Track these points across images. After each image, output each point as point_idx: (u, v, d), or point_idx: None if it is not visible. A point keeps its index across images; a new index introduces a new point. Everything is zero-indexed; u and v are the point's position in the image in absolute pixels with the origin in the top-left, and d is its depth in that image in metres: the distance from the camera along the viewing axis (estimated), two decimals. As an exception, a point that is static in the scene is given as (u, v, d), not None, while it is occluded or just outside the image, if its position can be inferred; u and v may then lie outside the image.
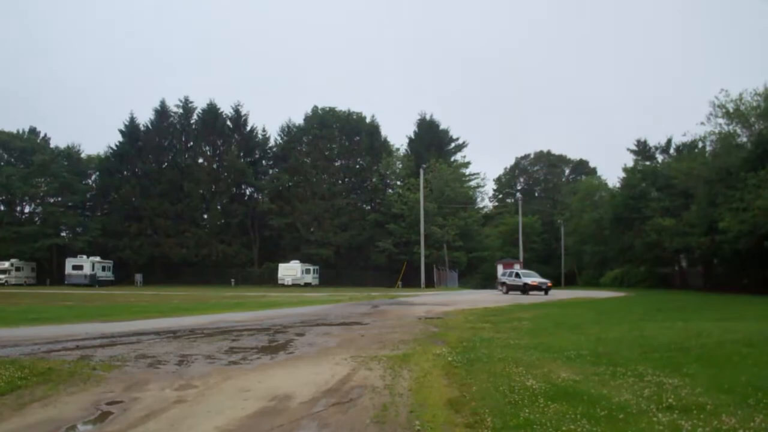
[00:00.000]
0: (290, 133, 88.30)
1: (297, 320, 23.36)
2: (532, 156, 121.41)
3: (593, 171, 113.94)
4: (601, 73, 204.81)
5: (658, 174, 67.74)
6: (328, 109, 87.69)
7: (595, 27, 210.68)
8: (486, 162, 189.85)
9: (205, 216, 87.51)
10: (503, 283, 50.57)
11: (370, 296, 43.85)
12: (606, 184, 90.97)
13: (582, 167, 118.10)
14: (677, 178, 60.99)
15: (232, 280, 79.82)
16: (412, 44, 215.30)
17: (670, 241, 59.10)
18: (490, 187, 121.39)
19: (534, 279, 48.64)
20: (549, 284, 48.04)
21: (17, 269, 76.80)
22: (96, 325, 20.98)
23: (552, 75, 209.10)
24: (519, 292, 46.74)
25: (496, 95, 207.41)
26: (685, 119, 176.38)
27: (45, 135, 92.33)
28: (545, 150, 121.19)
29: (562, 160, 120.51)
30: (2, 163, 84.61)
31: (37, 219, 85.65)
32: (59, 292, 55.05)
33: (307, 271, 76.54)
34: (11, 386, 9.72)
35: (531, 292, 45.85)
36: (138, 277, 79.21)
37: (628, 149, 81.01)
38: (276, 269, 76.96)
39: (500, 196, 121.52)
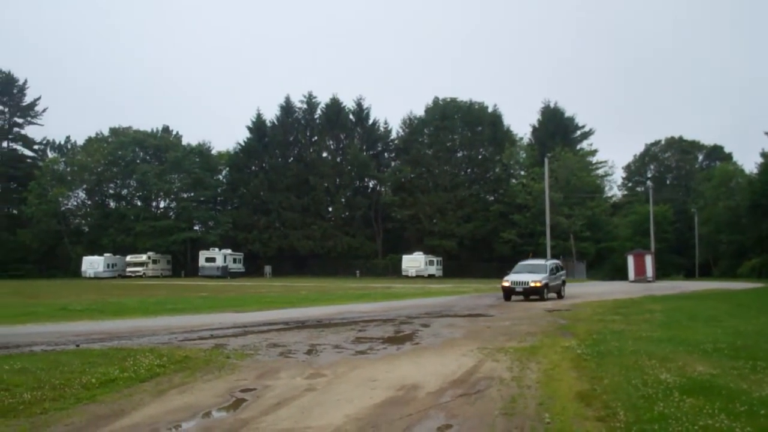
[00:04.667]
0: (412, 125, 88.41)
1: (422, 311, 23.43)
2: (663, 142, 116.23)
3: (728, 157, 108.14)
4: (735, 54, 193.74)
5: (798, 158, 63.81)
6: (449, 99, 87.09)
7: (728, 7, 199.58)
8: (614, 150, 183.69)
9: (330, 209, 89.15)
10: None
11: (495, 288, 43.36)
12: (742, 170, 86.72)
13: (716, 153, 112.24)
14: (819, 161, 57.48)
15: (357, 271, 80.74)
16: (536, 32, 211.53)
17: (813, 228, 55.70)
18: (618, 176, 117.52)
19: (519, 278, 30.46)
20: (535, 284, 29.50)
21: (154, 262, 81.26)
22: (229, 316, 21.81)
23: (683, 58, 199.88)
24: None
25: (624, 81, 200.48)
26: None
27: (177, 133, 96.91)
28: (677, 136, 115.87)
29: (694, 146, 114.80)
30: (138, 161, 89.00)
31: (171, 214, 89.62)
32: (193, 283, 57.68)
33: (431, 263, 76.57)
34: (151, 373, 10.19)
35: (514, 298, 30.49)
36: (267, 268, 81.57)
37: (765, 133, 76.79)
38: (400, 261, 77.39)
39: (630, 184, 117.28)
